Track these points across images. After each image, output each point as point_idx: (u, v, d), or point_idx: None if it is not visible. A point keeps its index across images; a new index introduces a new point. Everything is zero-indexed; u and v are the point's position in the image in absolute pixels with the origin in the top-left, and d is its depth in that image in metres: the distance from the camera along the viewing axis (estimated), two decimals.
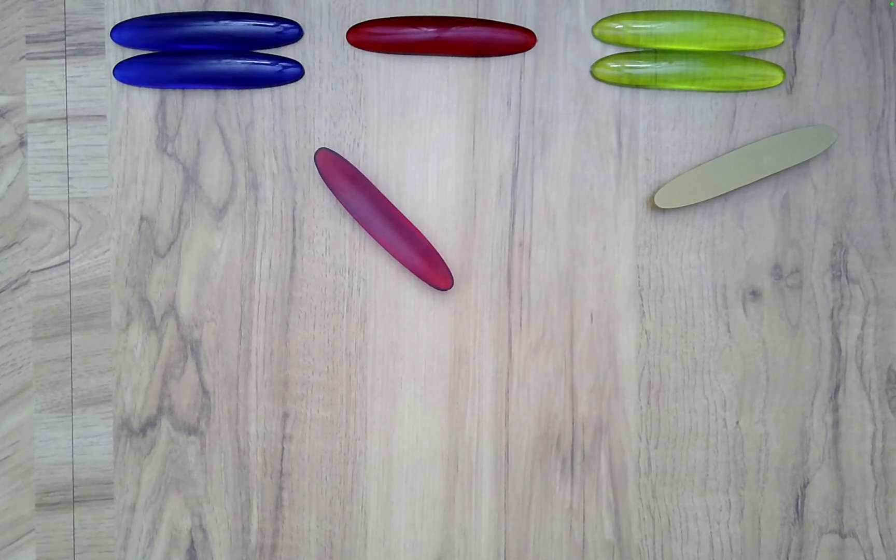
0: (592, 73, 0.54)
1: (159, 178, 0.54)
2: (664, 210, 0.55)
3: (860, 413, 0.55)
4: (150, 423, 0.54)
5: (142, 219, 0.54)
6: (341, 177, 0.53)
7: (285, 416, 0.55)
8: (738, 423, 0.55)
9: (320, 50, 0.54)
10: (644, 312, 0.55)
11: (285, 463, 0.55)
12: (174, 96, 0.54)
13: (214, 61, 0.53)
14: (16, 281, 0.54)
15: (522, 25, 0.54)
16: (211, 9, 0.54)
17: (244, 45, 0.53)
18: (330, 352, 0.55)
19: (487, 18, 0.54)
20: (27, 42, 0.54)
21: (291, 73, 0.53)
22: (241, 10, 0.54)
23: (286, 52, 0.54)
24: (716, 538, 0.55)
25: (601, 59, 0.54)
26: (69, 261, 0.54)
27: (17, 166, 0.54)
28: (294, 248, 0.54)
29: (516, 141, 0.55)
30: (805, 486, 0.55)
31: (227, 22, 0.53)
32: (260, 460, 0.55)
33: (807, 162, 0.55)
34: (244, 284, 0.54)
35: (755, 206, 0.55)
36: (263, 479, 0.55)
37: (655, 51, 0.54)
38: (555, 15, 0.54)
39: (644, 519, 0.55)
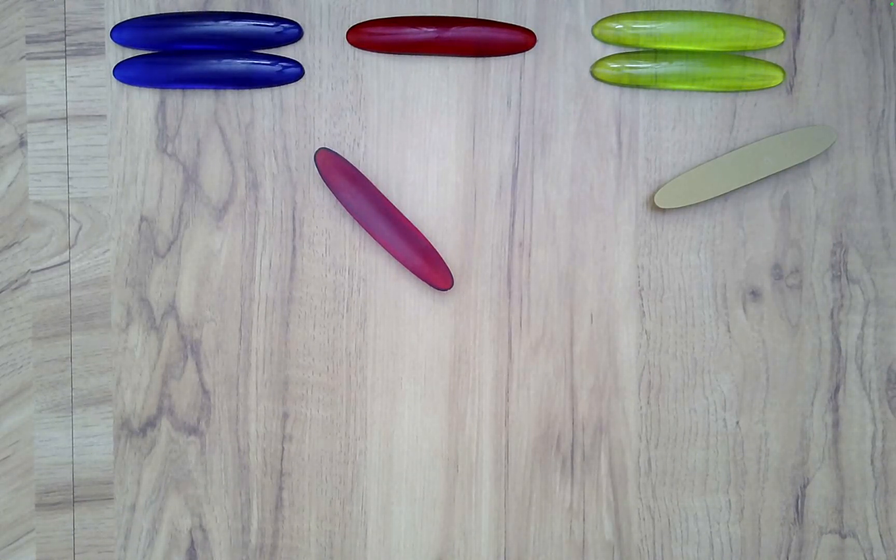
0: (592, 73, 0.54)
1: (159, 178, 0.54)
2: (664, 210, 0.55)
3: (860, 413, 0.55)
4: (150, 423, 0.54)
5: (142, 219, 0.54)
6: (341, 177, 0.53)
7: (285, 416, 0.55)
8: (738, 423, 0.55)
9: (320, 50, 0.54)
10: (644, 312, 0.55)
11: (285, 463, 0.55)
12: (174, 96, 0.54)
13: (214, 61, 0.53)
14: (16, 281, 0.54)
15: (522, 25, 0.54)
16: (211, 9, 0.54)
17: (244, 45, 0.53)
18: (330, 352, 0.55)
19: (487, 18, 0.54)
20: (27, 42, 0.54)
21: (291, 73, 0.53)
22: (241, 10, 0.54)
23: (286, 52, 0.54)
24: (716, 538, 0.55)
25: (601, 59, 0.54)
26: (69, 261, 0.54)
27: (17, 166, 0.54)
28: (294, 248, 0.54)
29: (516, 141, 0.55)
30: (805, 486, 0.55)
31: (227, 22, 0.53)
32: (260, 460, 0.55)
33: (807, 162, 0.55)
34: (244, 284, 0.54)
35: (755, 206, 0.55)
36: (263, 479, 0.55)
37: (655, 51, 0.54)
38: (555, 15, 0.54)
39: (644, 519, 0.55)
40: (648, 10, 0.54)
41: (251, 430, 0.55)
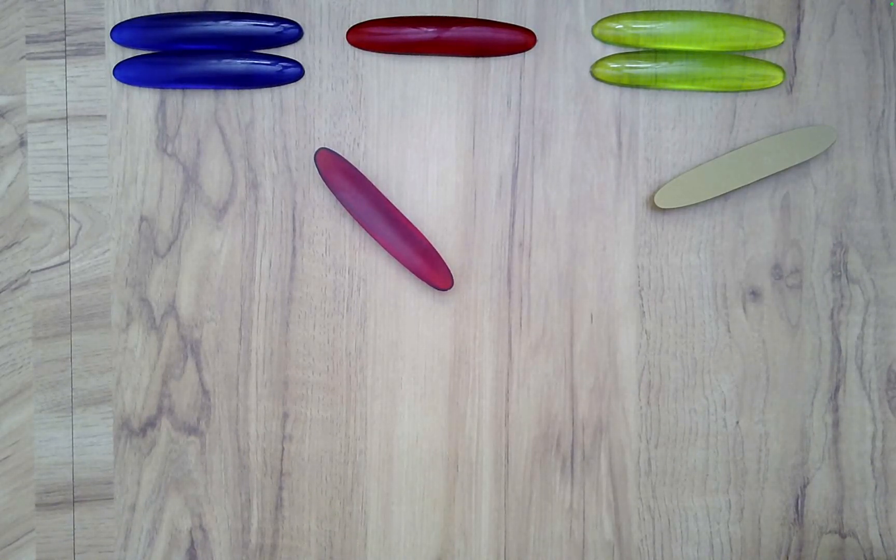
0: (592, 73, 0.54)
1: (159, 178, 0.54)
2: (664, 210, 0.55)
3: (860, 413, 0.55)
4: (150, 423, 0.54)
5: (142, 219, 0.54)
6: (341, 177, 0.53)
7: (285, 416, 0.55)
8: (738, 423, 0.55)
9: (320, 50, 0.54)
10: (644, 312, 0.55)
11: (285, 463, 0.55)
12: (174, 96, 0.54)
13: (214, 61, 0.53)
14: (16, 281, 0.54)
15: (522, 25, 0.54)
16: (211, 9, 0.54)
17: (244, 45, 0.53)
18: (330, 352, 0.55)
19: (487, 18, 0.54)
20: (27, 42, 0.54)
21: (291, 73, 0.53)
22: (241, 10, 0.54)
23: (286, 52, 0.54)
24: (716, 538, 0.55)
25: (601, 59, 0.54)
26: (69, 261, 0.54)
27: (17, 166, 0.54)
28: (294, 248, 0.54)
29: (516, 141, 0.55)
30: (805, 486, 0.55)
31: (227, 22, 0.53)
32: (260, 460, 0.55)
33: (807, 162, 0.55)
34: (244, 284, 0.54)
35: (755, 206, 0.55)
36: (263, 479, 0.55)
37: (655, 51, 0.54)
38: (555, 15, 0.54)
39: (644, 519, 0.55)
40: (648, 10, 0.54)
41: (251, 430, 0.55)
